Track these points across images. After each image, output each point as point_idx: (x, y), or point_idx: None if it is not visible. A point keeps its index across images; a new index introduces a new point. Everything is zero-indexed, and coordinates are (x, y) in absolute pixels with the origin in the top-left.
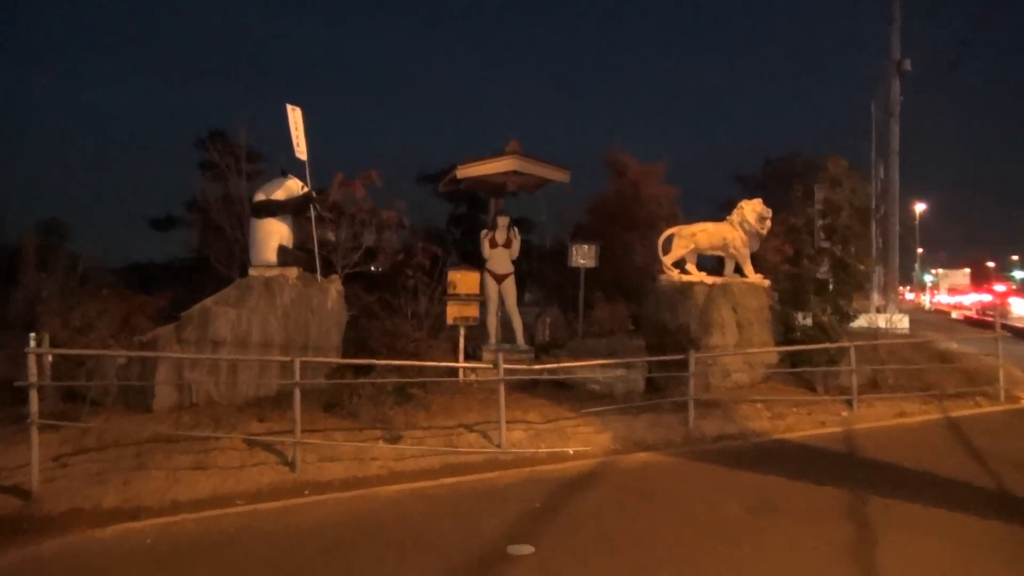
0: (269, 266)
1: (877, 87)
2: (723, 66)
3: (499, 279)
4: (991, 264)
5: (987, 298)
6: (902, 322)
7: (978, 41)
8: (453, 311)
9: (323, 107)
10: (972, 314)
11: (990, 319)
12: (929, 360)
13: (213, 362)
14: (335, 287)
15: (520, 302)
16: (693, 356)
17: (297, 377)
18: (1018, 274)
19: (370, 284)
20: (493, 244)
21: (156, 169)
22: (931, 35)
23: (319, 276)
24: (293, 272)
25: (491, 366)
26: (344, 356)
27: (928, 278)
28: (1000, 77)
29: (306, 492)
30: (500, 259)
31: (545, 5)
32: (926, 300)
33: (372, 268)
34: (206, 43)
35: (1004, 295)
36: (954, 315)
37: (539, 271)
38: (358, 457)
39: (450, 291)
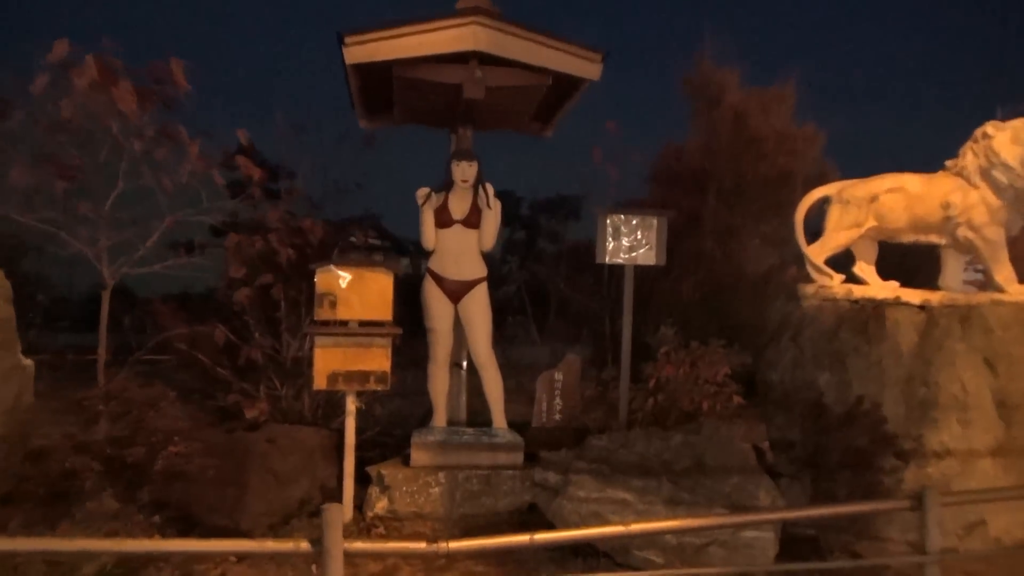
0: None
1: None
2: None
3: (455, 291)
4: None
5: None
6: None
7: None
8: (325, 361)
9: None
10: None
11: None
12: None
13: None
14: None
15: (502, 340)
16: (936, 499)
17: None
18: None
19: (192, 302)
20: (444, 220)
21: None
22: None
23: None
24: None
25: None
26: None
27: None
28: None
29: None
30: (457, 248)
31: None
32: None
33: (165, 264)
34: None
35: None
36: None
37: (546, 283)
38: None
39: (320, 314)
